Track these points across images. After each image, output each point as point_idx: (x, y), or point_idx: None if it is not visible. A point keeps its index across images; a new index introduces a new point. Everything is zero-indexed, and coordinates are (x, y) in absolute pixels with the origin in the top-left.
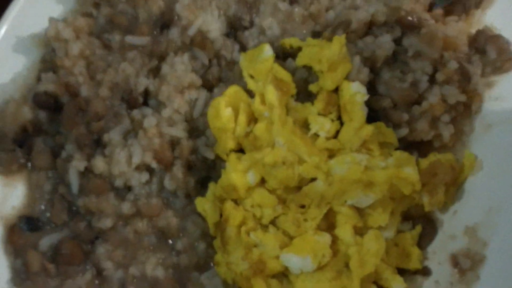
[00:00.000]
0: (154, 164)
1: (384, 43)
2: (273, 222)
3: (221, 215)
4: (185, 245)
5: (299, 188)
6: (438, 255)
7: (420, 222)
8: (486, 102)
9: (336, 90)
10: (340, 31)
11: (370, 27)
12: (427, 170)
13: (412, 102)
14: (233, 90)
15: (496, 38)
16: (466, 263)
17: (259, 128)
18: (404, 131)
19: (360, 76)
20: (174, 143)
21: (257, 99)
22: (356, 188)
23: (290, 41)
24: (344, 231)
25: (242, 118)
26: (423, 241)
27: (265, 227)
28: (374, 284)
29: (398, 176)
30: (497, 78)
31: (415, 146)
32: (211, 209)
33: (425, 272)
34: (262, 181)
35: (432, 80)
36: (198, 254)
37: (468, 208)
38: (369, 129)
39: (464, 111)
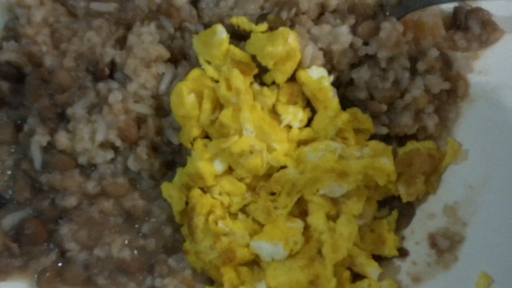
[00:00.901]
0: (118, 142)
1: (340, 35)
2: (242, 210)
3: (187, 203)
4: (151, 228)
5: (269, 175)
6: (416, 235)
7: (397, 205)
8: (469, 76)
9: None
10: (285, 12)
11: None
12: (402, 160)
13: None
14: (196, 73)
15: (476, 12)
16: (445, 244)
17: (226, 114)
18: (384, 130)
19: (316, 62)
20: (140, 121)
21: (222, 84)
22: (329, 177)
23: (238, 21)
24: (317, 218)
25: (207, 105)
26: (400, 224)
27: (234, 216)
28: (349, 270)
29: (373, 167)
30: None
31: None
32: (177, 196)
33: (402, 253)
34: (230, 169)
35: (412, 71)
36: (165, 238)
37: (448, 186)
38: (345, 116)
39: (448, 97)
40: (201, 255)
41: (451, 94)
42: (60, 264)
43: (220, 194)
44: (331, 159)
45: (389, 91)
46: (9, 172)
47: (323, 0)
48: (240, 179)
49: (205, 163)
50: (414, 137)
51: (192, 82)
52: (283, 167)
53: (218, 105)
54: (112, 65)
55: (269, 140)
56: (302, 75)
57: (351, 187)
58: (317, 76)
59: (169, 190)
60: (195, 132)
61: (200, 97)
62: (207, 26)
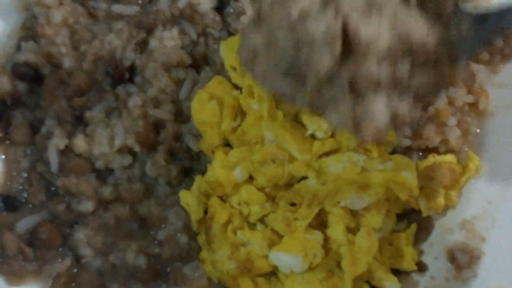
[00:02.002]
0: (137, 148)
1: None
2: (261, 220)
3: (205, 211)
4: (166, 236)
5: (289, 185)
6: (434, 249)
7: (416, 218)
8: (489, 89)
9: None
10: None
11: None
12: (424, 173)
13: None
14: (217, 81)
15: None
16: (464, 259)
17: (248, 122)
18: (406, 142)
19: None
20: (158, 126)
21: (244, 91)
22: (350, 189)
23: None
24: (336, 231)
25: (228, 112)
26: (419, 237)
27: (252, 225)
28: (367, 284)
29: (395, 180)
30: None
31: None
32: (195, 205)
33: (421, 267)
34: (250, 178)
35: None
36: (180, 246)
37: (466, 200)
38: None
39: (470, 110)
40: (217, 264)
41: (473, 107)
42: (75, 270)
43: (239, 203)
44: (353, 171)
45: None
46: (24, 175)
47: None
48: (260, 189)
49: (225, 171)
50: (435, 150)
51: (213, 88)
52: (304, 178)
53: (239, 113)
54: (132, 68)
55: (290, 150)
56: None
57: (372, 200)
58: None
59: (187, 198)
60: (216, 139)
61: (221, 104)
62: (231, 34)
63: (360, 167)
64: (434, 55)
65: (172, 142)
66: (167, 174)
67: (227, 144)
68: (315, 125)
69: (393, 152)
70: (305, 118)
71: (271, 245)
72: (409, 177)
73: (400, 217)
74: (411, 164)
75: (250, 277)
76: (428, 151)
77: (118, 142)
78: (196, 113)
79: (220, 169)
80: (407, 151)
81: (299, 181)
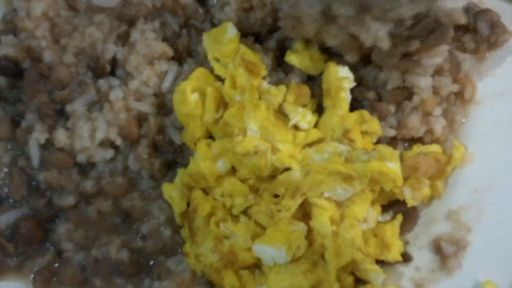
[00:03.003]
0: (119, 141)
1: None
2: (244, 212)
3: (188, 204)
4: (150, 230)
5: (272, 177)
6: (420, 240)
7: (401, 209)
8: (475, 78)
9: (310, 79)
10: None
11: None
12: (409, 164)
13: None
14: (199, 72)
15: (485, 13)
16: (450, 249)
17: (230, 113)
18: (391, 132)
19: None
20: (141, 119)
21: (227, 82)
22: (334, 180)
23: None
24: (320, 222)
25: (211, 103)
26: (404, 228)
27: (236, 218)
28: (352, 276)
29: (380, 171)
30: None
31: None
32: (178, 197)
33: (406, 258)
34: (233, 170)
35: None
36: (164, 240)
37: (453, 190)
38: (353, 117)
39: (456, 100)
40: (201, 257)
41: (459, 96)
42: (56, 265)
43: (222, 195)
44: (337, 162)
45: (398, 90)
46: (5, 170)
47: None
48: (243, 181)
49: (208, 163)
50: (420, 140)
51: (196, 80)
52: (288, 169)
53: (222, 104)
54: (114, 61)
55: (274, 141)
56: (332, 68)
57: (356, 191)
58: (342, 74)
59: (170, 191)
60: (199, 131)
61: (203, 96)
62: (214, 25)
63: (344, 158)
64: None
65: (155, 135)
66: (150, 168)
67: (210, 137)
68: (299, 115)
69: (378, 143)
70: (289, 109)
71: (255, 237)
72: (394, 168)
73: (385, 208)
74: (395, 154)
75: (233, 270)
76: (413, 141)
77: (100, 135)
78: (179, 105)
79: (203, 161)
80: (392, 142)
81: (282, 172)
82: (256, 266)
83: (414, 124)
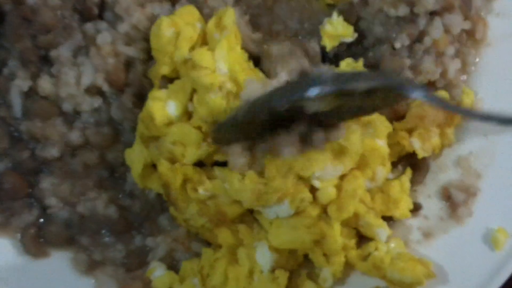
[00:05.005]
0: (105, 87)
1: None
2: (218, 164)
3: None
4: (133, 189)
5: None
6: (428, 188)
7: (410, 162)
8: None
9: None
10: None
11: None
12: (414, 113)
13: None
14: (186, 10)
15: None
16: (459, 196)
17: (199, 52)
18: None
19: None
20: (129, 66)
21: (212, 20)
22: (325, 157)
23: None
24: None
25: (183, 42)
26: (414, 181)
27: (212, 175)
28: (356, 232)
29: (371, 147)
30: None
31: None
32: (135, 159)
33: (415, 207)
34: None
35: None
36: (150, 201)
37: (462, 136)
38: None
39: (468, 39)
40: (190, 222)
41: (470, 36)
42: (41, 220)
43: (174, 143)
44: None
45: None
46: None
47: None
48: (197, 128)
49: (158, 105)
50: (433, 85)
51: (179, 17)
52: None
53: (199, 46)
54: (102, 4)
55: (242, 83)
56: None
57: (345, 169)
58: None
59: (130, 155)
60: (165, 69)
61: (179, 34)
62: None
63: None
64: None
65: (142, 83)
66: (133, 118)
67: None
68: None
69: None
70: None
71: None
72: (382, 145)
73: (394, 164)
74: (384, 131)
75: (226, 226)
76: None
77: (86, 81)
78: (154, 38)
79: (152, 101)
80: None
81: None
82: (254, 220)
83: (429, 67)
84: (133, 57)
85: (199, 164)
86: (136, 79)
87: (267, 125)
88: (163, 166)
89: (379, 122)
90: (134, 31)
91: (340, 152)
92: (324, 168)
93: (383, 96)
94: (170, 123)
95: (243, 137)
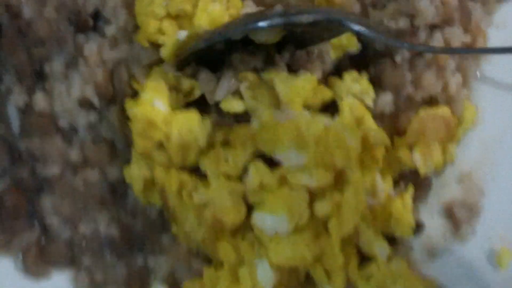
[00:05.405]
0: (95, 100)
1: None
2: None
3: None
4: (134, 206)
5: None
6: (430, 205)
7: (411, 179)
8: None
9: None
10: None
11: None
12: (415, 128)
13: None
14: None
15: None
16: (462, 214)
17: None
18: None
19: None
20: (114, 72)
21: None
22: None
23: None
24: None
25: None
26: (416, 198)
27: (206, 181)
28: (356, 251)
29: (337, 141)
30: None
31: None
32: (136, 175)
33: (418, 226)
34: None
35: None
36: (152, 219)
37: (463, 150)
38: None
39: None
40: (191, 235)
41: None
42: (43, 239)
43: (181, 133)
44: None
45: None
46: None
47: None
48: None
49: (147, 108)
50: (434, 101)
51: None
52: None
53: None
54: (96, 15)
55: None
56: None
57: (308, 160)
58: None
59: (130, 172)
60: (151, 28)
61: None
62: None
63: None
64: None
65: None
66: (124, 136)
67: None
68: None
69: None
70: None
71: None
72: (352, 145)
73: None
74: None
75: (226, 239)
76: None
77: (75, 93)
78: (138, 3)
79: (142, 107)
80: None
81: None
82: (255, 238)
83: (430, 80)
84: (118, 60)
85: (196, 169)
86: (121, 88)
87: (224, 55)
88: (158, 171)
89: (348, 112)
90: (121, 33)
91: (301, 140)
92: (287, 150)
93: (327, 28)
94: (168, 117)
95: (204, 65)
